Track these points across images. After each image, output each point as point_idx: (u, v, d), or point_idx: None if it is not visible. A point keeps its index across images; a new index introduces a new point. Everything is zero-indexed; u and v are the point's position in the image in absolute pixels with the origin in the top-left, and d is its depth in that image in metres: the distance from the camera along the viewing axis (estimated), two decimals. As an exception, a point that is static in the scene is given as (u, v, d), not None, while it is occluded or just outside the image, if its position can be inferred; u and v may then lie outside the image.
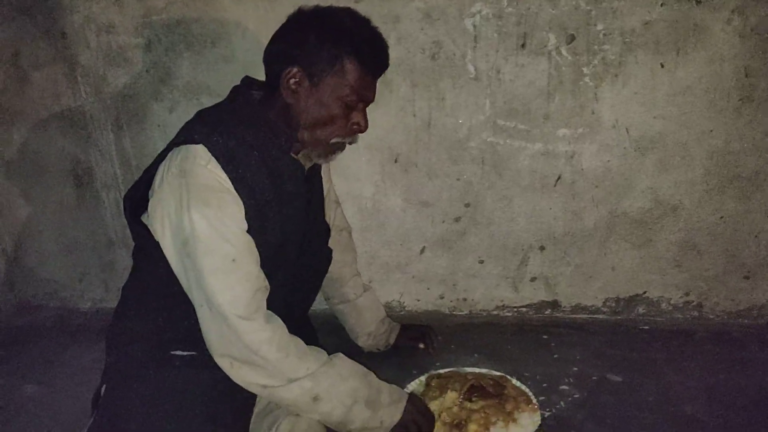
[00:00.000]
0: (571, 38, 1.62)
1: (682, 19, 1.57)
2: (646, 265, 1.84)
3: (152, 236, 1.07)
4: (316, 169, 1.30)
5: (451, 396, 1.38)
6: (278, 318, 1.10)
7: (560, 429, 1.38)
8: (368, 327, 1.63)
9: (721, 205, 1.74)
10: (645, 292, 1.88)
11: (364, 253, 1.91)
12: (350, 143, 1.19)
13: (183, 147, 1.06)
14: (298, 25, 1.13)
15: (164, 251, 1.05)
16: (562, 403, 1.48)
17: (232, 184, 1.04)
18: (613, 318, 1.91)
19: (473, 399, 1.37)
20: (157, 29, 1.74)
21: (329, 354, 1.17)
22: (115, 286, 2.09)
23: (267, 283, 1.10)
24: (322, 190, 1.40)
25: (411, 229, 1.88)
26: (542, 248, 1.86)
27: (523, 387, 1.47)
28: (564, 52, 1.64)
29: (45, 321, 2.09)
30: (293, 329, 1.13)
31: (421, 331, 1.72)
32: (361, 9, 1.24)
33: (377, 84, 1.18)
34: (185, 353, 1.15)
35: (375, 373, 1.23)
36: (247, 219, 1.06)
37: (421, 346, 1.69)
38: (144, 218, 1.11)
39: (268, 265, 1.11)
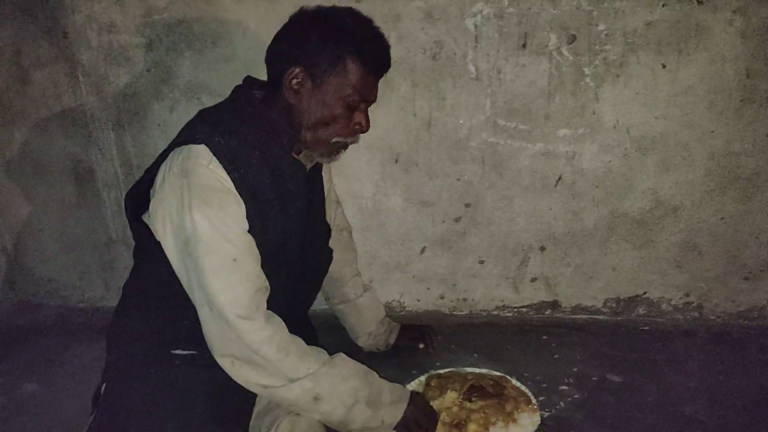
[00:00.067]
0: (573, 38, 1.62)
1: (684, 20, 1.57)
2: (646, 266, 1.84)
3: (153, 236, 1.07)
4: (317, 169, 1.30)
5: (451, 396, 1.38)
6: (279, 318, 1.10)
7: (560, 429, 1.38)
8: (368, 327, 1.63)
9: (722, 205, 1.74)
10: (645, 293, 1.88)
11: (365, 252, 1.91)
12: (352, 143, 1.19)
13: (185, 147, 1.06)
14: (300, 25, 1.13)
15: (165, 251, 1.05)
16: (561, 403, 1.48)
17: (234, 184, 1.04)
18: (614, 318, 1.91)
19: (473, 399, 1.37)
20: (158, 29, 1.74)
21: (330, 354, 1.17)
22: (115, 285, 2.09)
23: (267, 283, 1.10)
24: (323, 190, 1.40)
25: (411, 228, 1.88)
26: (542, 248, 1.86)
27: (523, 387, 1.47)
28: (565, 52, 1.64)
29: (45, 319, 2.09)
30: (294, 329, 1.13)
31: (421, 331, 1.72)
32: (362, 8, 1.24)
33: (379, 84, 1.18)
34: (186, 352, 1.15)
35: (376, 373, 1.23)
36: (248, 219, 1.06)
37: (421, 346, 1.69)
38: (145, 218, 1.11)
39: (269, 265, 1.11)
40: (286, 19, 1.15)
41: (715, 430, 1.37)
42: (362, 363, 1.22)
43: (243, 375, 1.07)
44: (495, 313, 1.97)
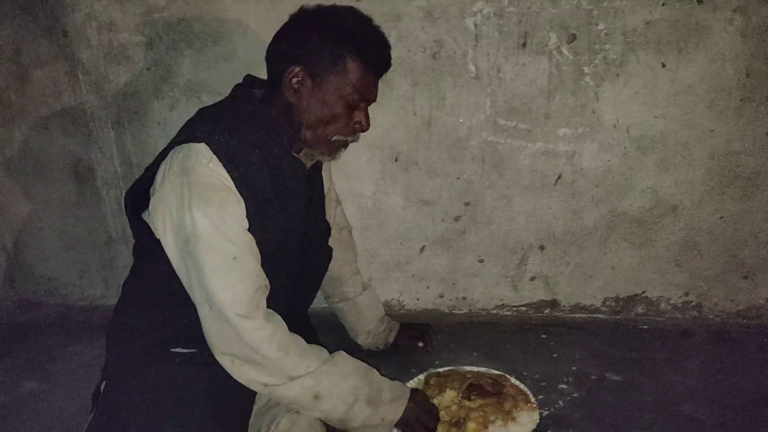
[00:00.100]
0: (573, 37, 1.62)
1: (684, 19, 1.57)
2: (645, 265, 1.84)
3: (153, 234, 1.07)
4: (317, 168, 1.30)
5: (450, 394, 1.38)
6: (279, 316, 1.11)
7: (559, 428, 1.38)
8: (368, 325, 1.63)
9: (722, 205, 1.74)
10: (644, 292, 1.88)
11: (364, 251, 1.91)
12: (352, 141, 1.19)
13: (185, 145, 1.06)
14: (300, 24, 1.13)
15: (165, 249, 1.06)
16: (560, 402, 1.48)
17: (234, 182, 1.04)
18: (613, 317, 1.91)
19: (472, 397, 1.37)
20: (158, 27, 1.74)
21: (330, 352, 1.18)
22: (115, 283, 2.09)
23: (267, 282, 1.10)
24: (323, 189, 1.40)
25: (411, 227, 1.89)
26: (542, 247, 1.86)
27: (522, 386, 1.47)
28: (565, 52, 1.64)
29: (45, 318, 2.09)
30: (293, 328, 1.13)
31: (421, 329, 1.72)
32: (363, 7, 1.24)
33: (379, 83, 1.18)
34: (185, 350, 1.15)
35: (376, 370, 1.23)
36: (248, 217, 1.06)
37: (421, 344, 1.69)
38: (145, 216, 1.11)
39: (268, 263, 1.11)
40: (286, 18, 1.16)
41: (714, 429, 1.37)
42: (362, 361, 1.22)
43: (243, 373, 1.07)
44: (494, 311, 1.97)
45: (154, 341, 1.16)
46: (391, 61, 1.18)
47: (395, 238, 1.90)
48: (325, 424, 1.20)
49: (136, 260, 1.23)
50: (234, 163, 1.05)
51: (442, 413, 1.33)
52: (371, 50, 1.12)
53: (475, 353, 1.71)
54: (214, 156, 1.03)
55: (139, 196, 1.13)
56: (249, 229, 1.07)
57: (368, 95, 1.15)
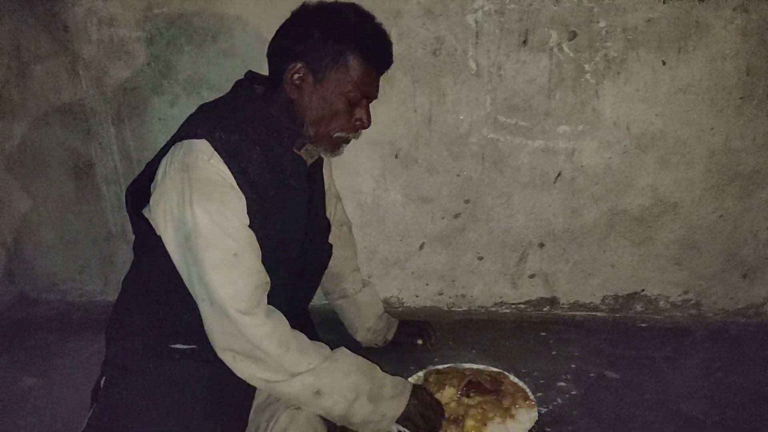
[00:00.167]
0: (573, 35, 1.62)
1: (684, 17, 1.57)
2: (645, 263, 1.84)
3: (154, 230, 1.07)
4: (317, 165, 1.30)
5: (449, 391, 1.38)
6: (280, 313, 1.11)
7: (557, 425, 1.39)
8: (367, 322, 1.63)
9: (721, 203, 1.75)
10: (644, 290, 1.88)
11: (364, 248, 1.91)
12: (353, 137, 1.19)
13: (186, 141, 1.06)
14: (302, 20, 1.13)
15: (166, 245, 1.06)
16: (559, 399, 1.48)
17: (235, 178, 1.04)
18: (612, 315, 1.92)
19: (471, 395, 1.37)
20: (159, 23, 1.73)
21: (331, 349, 1.18)
22: (114, 279, 2.09)
23: (268, 278, 1.10)
24: (324, 186, 1.40)
25: (410, 224, 1.89)
26: (541, 245, 1.86)
27: (521, 383, 1.47)
28: (566, 49, 1.63)
29: (45, 314, 2.09)
30: (293, 324, 1.13)
31: (420, 326, 1.72)
32: (364, 4, 1.23)
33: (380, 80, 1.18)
34: (185, 347, 1.15)
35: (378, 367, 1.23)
36: (249, 214, 1.06)
37: (420, 341, 1.69)
38: (146, 212, 1.11)
39: (269, 260, 1.11)
40: (287, 15, 1.15)
41: (713, 427, 1.38)
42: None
43: (244, 370, 1.07)
44: (493, 309, 1.97)
45: (153, 337, 1.16)
46: (393, 58, 1.18)
47: (395, 235, 1.90)
48: (324, 420, 1.21)
49: (136, 256, 1.23)
50: (235, 160, 1.05)
51: (441, 410, 1.33)
52: (373, 47, 1.12)
53: (474, 350, 1.71)
54: (215, 152, 1.03)
55: (139, 192, 1.13)
56: (250, 226, 1.07)
57: (369, 92, 1.15)
